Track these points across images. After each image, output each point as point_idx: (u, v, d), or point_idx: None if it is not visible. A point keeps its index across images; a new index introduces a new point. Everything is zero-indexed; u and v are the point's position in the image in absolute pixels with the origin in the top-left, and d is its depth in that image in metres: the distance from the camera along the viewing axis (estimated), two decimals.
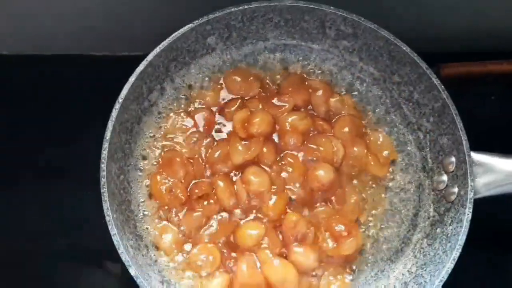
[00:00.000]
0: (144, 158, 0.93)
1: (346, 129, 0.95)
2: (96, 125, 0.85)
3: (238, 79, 0.97)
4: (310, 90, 0.98)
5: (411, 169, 0.95)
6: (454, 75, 1.07)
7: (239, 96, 0.96)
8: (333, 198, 0.91)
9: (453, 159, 0.87)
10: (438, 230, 0.87)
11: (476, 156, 0.85)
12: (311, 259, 0.87)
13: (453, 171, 0.87)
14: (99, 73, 1.05)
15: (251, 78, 0.97)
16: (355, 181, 0.93)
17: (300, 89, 0.97)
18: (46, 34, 1.06)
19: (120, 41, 1.06)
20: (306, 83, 0.98)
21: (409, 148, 0.97)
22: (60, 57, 1.09)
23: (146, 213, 0.90)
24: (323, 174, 0.91)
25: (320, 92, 0.97)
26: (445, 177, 0.89)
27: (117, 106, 0.85)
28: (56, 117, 1.04)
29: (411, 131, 0.96)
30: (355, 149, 0.94)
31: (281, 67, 1.00)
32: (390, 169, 0.95)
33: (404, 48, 0.88)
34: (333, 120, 0.96)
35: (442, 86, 0.87)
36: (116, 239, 0.79)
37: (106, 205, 0.80)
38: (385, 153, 0.94)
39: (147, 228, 0.90)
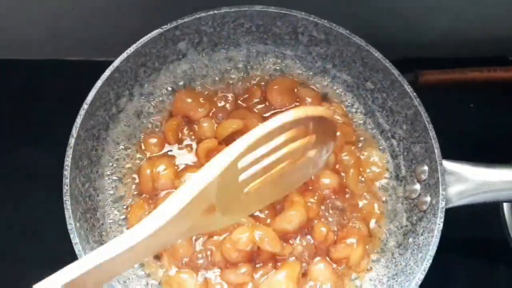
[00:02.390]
0: (112, 165, 0.88)
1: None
2: (65, 131, 0.83)
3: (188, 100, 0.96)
4: (297, 100, 0.97)
5: (385, 178, 0.94)
6: (433, 82, 1.05)
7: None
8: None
9: (425, 167, 0.86)
10: (410, 239, 0.85)
11: (448, 165, 0.83)
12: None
13: (425, 180, 0.85)
14: (73, 78, 1.04)
15: (201, 99, 0.96)
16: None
17: (288, 96, 0.97)
18: (17, 39, 1.05)
19: (94, 46, 1.05)
20: (295, 90, 0.97)
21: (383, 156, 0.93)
22: (32, 62, 1.09)
23: (112, 221, 0.88)
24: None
25: (309, 100, 0.96)
26: (417, 186, 0.88)
27: (82, 112, 0.83)
28: (27, 121, 1.04)
29: (384, 139, 0.94)
30: (345, 157, 0.93)
31: (254, 73, 0.99)
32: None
33: (376, 55, 0.87)
34: None
35: (414, 93, 0.85)
36: (78, 248, 0.77)
37: (68, 212, 0.79)
38: (369, 174, 0.94)
39: (114, 237, 0.86)
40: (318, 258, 0.88)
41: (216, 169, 0.57)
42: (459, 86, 1.07)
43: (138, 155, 0.92)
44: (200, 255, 0.86)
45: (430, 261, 0.79)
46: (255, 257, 0.86)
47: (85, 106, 0.83)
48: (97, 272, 0.53)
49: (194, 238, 0.87)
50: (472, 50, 1.07)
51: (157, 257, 0.87)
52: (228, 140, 0.91)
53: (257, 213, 0.88)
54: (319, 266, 0.87)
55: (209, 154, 0.90)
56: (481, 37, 1.07)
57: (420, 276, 0.79)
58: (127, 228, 0.88)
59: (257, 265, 0.86)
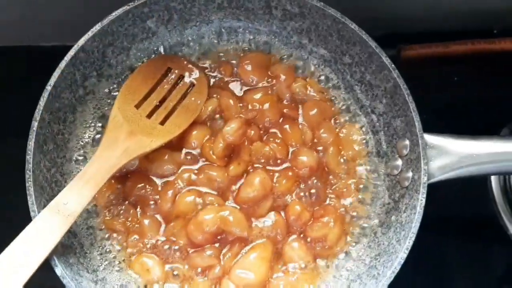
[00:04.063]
0: (80, 149, 0.85)
1: (313, 113, 0.91)
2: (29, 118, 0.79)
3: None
4: (271, 76, 0.93)
5: (366, 155, 0.91)
6: (415, 56, 1.02)
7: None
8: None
9: (406, 142, 0.83)
10: (393, 217, 0.82)
11: (430, 138, 0.80)
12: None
13: (407, 155, 0.82)
14: (38, 64, 0.96)
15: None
16: None
17: (261, 72, 0.94)
18: None
19: (61, 30, 1.00)
20: (269, 70, 0.94)
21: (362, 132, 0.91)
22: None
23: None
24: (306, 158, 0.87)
25: (283, 77, 0.93)
26: (399, 162, 0.85)
27: (45, 94, 0.79)
28: None
29: (364, 114, 0.91)
30: (323, 135, 0.90)
31: (227, 50, 0.95)
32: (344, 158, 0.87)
33: (352, 27, 0.84)
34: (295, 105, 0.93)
35: (393, 65, 0.82)
36: None
37: (31, 199, 0.75)
38: (349, 152, 0.90)
39: (83, 224, 0.84)
40: (293, 237, 0.85)
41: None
42: (443, 59, 1.05)
43: None
44: (163, 238, 0.84)
45: (413, 239, 0.76)
46: (221, 239, 0.84)
47: (48, 87, 0.80)
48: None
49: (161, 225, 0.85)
50: (457, 24, 1.04)
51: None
52: (206, 121, 0.90)
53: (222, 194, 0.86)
54: (293, 245, 0.84)
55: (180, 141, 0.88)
56: (466, 10, 1.04)
57: (402, 255, 0.76)
58: (96, 215, 0.86)
59: (224, 248, 0.84)
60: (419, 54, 1.02)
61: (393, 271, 0.75)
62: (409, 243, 0.76)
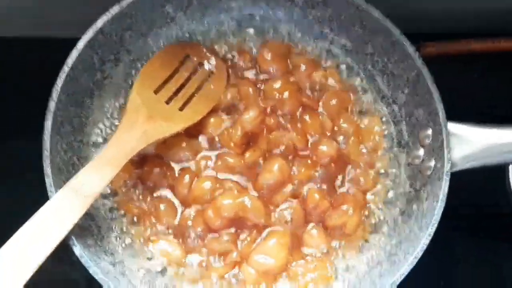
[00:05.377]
0: (98, 134, 0.84)
1: (333, 103, 0.89)
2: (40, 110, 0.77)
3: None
4: (291, 66, 0.91)
5: (387, 145, 0.89)
6: (435, 54, 1.00)
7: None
8: None
9: (429, 131, 0.80)
10: (414, 206, 0.81)
11: (453, 127, 0.78)
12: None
13: (429, 144, 0.80)
14: (42, 57, 0.98)
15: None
16: None
17: (281, 62, 0.91)
18: None
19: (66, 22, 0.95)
20: (289, 60, 0.92)
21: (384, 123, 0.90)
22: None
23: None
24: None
25: (303, 67, 0.91)
26: (421, 151, 0.83)
27: (62, 75, 0.78)
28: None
29: (386, 105, 0.90)
30: (343, 125, 0.88)
31: (247, 38, 0.93)
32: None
33: (376, 15, 0.82)
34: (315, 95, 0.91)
35: (417, 53, 0.80)
36: None
37: (49, 180, 0.74)
38: (370, 143, 0.89)
39: (101, 207, 0.84)
40: (311, 224, 0.83)
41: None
42: (463, 57, 1.03)
43: None
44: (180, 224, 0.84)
45: (436, 225, 0.75)
46: (237, 224, 0.83)
47: (66, 68, 0.78)
48: None
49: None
50: (478, 24, 1.01)
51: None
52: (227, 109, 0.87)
53: (240, 181, 0.85)
54: (312, 233, 0.82)
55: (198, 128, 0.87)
56: (487, 9, 1.01)
57: (425, 241, 0.74)
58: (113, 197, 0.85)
59: (241, 233, 0.83)
60: (439, 51, 1.00)
61: (415, 256, 0.74)
62: (431, 229, 0.75)
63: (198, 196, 0.83)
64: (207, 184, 0.83)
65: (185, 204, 0.84)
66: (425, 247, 0.74)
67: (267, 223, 0.82)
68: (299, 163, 0.86)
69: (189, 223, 0.82)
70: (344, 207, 0.84)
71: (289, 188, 0.85)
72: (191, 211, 0.83)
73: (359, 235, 0.85)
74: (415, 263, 0.74)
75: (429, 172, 0.81)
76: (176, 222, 0.83)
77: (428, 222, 0.76)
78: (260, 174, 0.84)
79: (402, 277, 0.74)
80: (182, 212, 0.83)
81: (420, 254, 0.74)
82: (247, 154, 0.85)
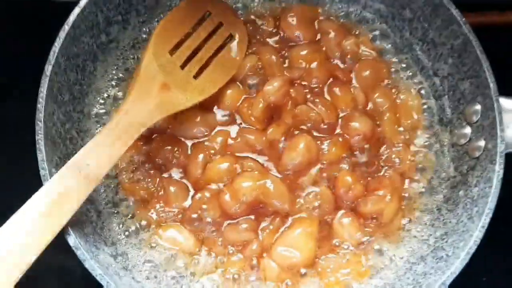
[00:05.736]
0: (101, 105, 0.75)
1: (366, 74, 0.79)
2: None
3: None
4: (318, 33, 0.82)
5: (427, 123, 0.79)
6: (471, 25, 0.89)
7: None
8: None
9: (477, 106, 0.73)
10: (461, 192, 0.73)
11: (506, 102, 0.70)
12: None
13: (477, 121, 0.73)
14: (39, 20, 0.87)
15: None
16: None
17: (307, 27, 0.81)
18: None
19: None
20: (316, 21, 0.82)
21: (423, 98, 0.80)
22: None
23: None
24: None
25: (332, 34, 0.80)
26: (467, 129, 0.75)
27: (62, 34, 0.69)
28: None
29: (425, 77, 0.80)
30: (379, 100, 0.78)
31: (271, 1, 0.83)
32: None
33: None
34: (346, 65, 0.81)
35: (464, 19, 0.71)
36: None
37: (41, 155, 0.64)
38: (408, 120, 0.78)
39: (101, 189, 0.74)
40: (342, 212, 0.73)
41: None
42: (499, 28, 0.94)
43: None
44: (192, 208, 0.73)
45: (490, 215, 0.66)
46: (258, 211, 0.73)
47: (66, 27, 0.69)
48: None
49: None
50: None
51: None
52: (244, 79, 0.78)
53: (262, 161, 0.74)
54: (344, 221, 0.73)
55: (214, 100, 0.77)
56: None
57: (478, 234, 0.65)
58: (116, 177, 0.75)
59: (263, 221, 0.73)
60: (474, 22, 0.89)
61: (468, 252, 0.65)
62: (485, 220, 0.66)
63: (213, 178, 0.73)
64: (224, 165, 0.74)
65: (198, 186, 0.74)
66: (478, 241, 0.65)
67: (292, 210, 0.73)
68: (328, 141, 0.76)
69: (203, 208, 0.73)
70: (380, 192, 0.74)
71: (316, 169, 0.75)
72: (205, 195, 0.73)
73: (397, 225, 0.75)
74: (468, 259, 0.64)
75: (478, 154, 0.72)
76: (187, 206, 0.73)
77: (480, 211, 0.67)
78: (284, 153, 0.74)
79: (453, 276, 0.64)
80: (194, 196, 0.74)
81: (474, 249, 0.65)
82: (270, 130, 0.75)
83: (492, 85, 0.70)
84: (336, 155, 0.75)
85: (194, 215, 0.72)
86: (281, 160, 0.74)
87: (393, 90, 0.79)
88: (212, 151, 0.75)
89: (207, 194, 0.73)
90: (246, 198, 0.71)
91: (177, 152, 0.75)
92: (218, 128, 0.76)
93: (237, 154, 0.75)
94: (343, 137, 0.76)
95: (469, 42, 0.72)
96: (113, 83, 0.78)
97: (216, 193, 0.72)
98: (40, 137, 0.65)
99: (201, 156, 0.74)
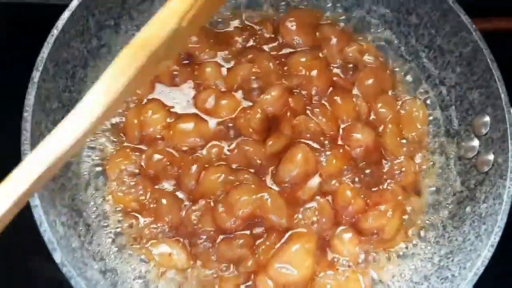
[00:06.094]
0: None
1: (369, 83, 0.76)
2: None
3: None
4: (319, 36, 0.79)
5: (432, 134, 0.76)
6: (491, 30, 0.89)
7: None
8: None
9: (486, 118, 0.70)
10: (468, 209, 0.70)
11: None
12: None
13: (486, 134, 0.69)
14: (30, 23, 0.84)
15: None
16: None
17: (307, 33, 0.78)
18: None
19: None
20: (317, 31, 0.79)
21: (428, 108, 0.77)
22: None
23: (91, 181, 0.71)
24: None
25: (334, 40, 0.77)
26: (475, 142, 0.72)
27: (50, 39, 0.65)
28: None
29: (431, 87, 0.77)
30: (381, 110, 0.75)
31: (269, 5, 0.81)
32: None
33: None
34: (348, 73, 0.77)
35: (473, 26, 0.68)
36: (38, 212, 0.59)
37: None
38: (412, 132, 0.76)
39: (91, 201, 0.71)
40: (342, 228, 0.70)
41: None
42: (506, 34, 0.91)
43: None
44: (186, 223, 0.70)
45: (500, 233, 0.63)
46: (255, 226, 0.69)
47: (55, 31, 0.65)
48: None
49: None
50: None
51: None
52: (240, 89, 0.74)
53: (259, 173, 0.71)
54: (344, 237, 0.70)
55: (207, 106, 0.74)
56: None
57: (486, 253, 0.62)
58: (106, 189, 0.72)
59: (259, 237, 0.69)
60: (495, 27, 0.89)
61: (475, 272, 0.62)
62: (494, 239, 0.62)
63: (206, 189, 0.70)
64: (219, 176, 0.70)
65: (192, 199, 0.70)
66: (486, 261, 0.62)
67: (289, 225, 0.69)
68: (328, 152, 0.72)
69: (196, 222, 0.69)
70: (382, 207, 0.71)
71: (315, 182, 0.71)
72: (199, 208, 0.69)
73: (399, 241, 0.72)
74: (475, 281, 0.61)
75: (486, 168, 0.69)
76: (180, 220, 0.70)
77: (489, 229, 0.64)
78: (281, 164, 0.71)
79: None
80: (188, 209, 0.70)
81: (482, 270, 0.61)
82: (270, 142, 0.71)
83: (504, 96, 0.66)
84: (336, 167, 0.72)
85: (187, 229, 0.69)
86: (278, 172, 0.70)
87: (397, 101, 0.76)
88: (207, 165, 0.71)
89: (201, 208, 0.70)
90: (242, 212, 0.67)
91: (170, 163, 0.71)
92: (214, 141, 0.73)
93: (233, 166, 0.71)
94: (344, 148, 0.73)
95: (479, 50, 0.69)
96: None
97: (211, 206, 0.69)
98: (26, 148, 0.61)
99: (194, 167, 0.70)
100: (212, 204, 0.69)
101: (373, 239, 0.70)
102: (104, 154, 0.72)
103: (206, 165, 0.71)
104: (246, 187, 0.68)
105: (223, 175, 0.70)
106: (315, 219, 0.69)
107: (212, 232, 0.69)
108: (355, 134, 0.73)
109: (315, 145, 0.73)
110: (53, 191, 0.64)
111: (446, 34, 0.73)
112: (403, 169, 0.73)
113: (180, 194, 0.71)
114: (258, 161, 0.71)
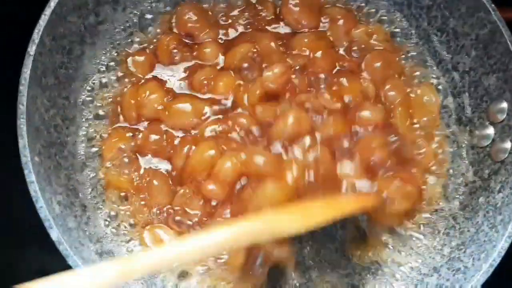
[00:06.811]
0: (88, 91, 0.70)
1: (377, 65, 0.73)
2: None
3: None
4: (325, 19, 0.76)
5: (443, 122, 0.73)
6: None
7: None
8: None
9: (504, 104, 0.66)
10: (481, 199, 0.67)
11: None
12: None
13: (503, 121, 0.66)
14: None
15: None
16: None
17: (311, 13, 0.75)
18: None
19: None
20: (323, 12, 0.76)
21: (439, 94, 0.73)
22: None
23: (87, 162, 0.69)
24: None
25: (341, 22, 0.74)
26: (490, 130, 0.68)
27: (47, 11, 0.63)
28: None
29: (443, 72, 0.74)
30: (390, 92, 0.71)
31: None
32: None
33: None
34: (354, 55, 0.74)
35: (493, 5, 0.65)
36: (34, 188, 0.57)
37: (22, 141, 0.59)
38: (422, 118, 0.72)
39: (87, 182, 0.68)
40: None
41: None
42: None
43: (123, 80, 0.72)
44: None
45: None
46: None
47: (52, 4, 0.63)
48: None
49: None
50: None
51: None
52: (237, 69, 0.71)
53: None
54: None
55: (204, 85, 0.71)
56: None
57: (503, 244, 0.59)
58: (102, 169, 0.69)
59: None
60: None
61: (491, 264, 0.59)
62: (511, 229, 0.59)
63: (195, 166, 0.67)
64: (206, 151, 0.67)
65: (183, 179, 0.67)
66: (503, 252, 0.59)
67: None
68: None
69: (187, 201, 0.66)
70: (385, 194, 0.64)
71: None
72: (189, 188, 0.67)
73: (407, 231, 0.69)
74: (490, 272, 0.58)
75: (503, 157, 0.66)
76: (171, 201, 0.67)
77: (506, 219, 0.61)
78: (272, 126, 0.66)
79: None
80: (178, 190, 0.67)
81: (498, 261, 0.59)
82: (259, 109, 0.68)
83: None
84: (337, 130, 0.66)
85: (179, 211, 0.66)
86: (269, 133, 0.65)
87: (406, 85, 0.73)
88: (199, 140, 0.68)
89: (190, 189, 0.67)
90: (228, 177, 0.64)
91: (166, 143, 0.69)
92: (210, 119, 0.69)
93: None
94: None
95: (498, 31, 0.66)
96: (102, 68, 0.72)
97: (200, 184, 0.66)
98: (22, 122, 0.59)
99: (187, 147, 0.68)
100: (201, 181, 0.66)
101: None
102: (101, 134, 0.70)
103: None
104: (229, 154, 0.65)
105: (212, 150, 0.67)
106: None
107: (204, 217, 0.66)
108: (363, 112, 0.68)
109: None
110: (49, 169, 0.63)
111: (461, 15, 0.70)
112: (423, 150, 0.70)
113: (174, 174, 0.68)
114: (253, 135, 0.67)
